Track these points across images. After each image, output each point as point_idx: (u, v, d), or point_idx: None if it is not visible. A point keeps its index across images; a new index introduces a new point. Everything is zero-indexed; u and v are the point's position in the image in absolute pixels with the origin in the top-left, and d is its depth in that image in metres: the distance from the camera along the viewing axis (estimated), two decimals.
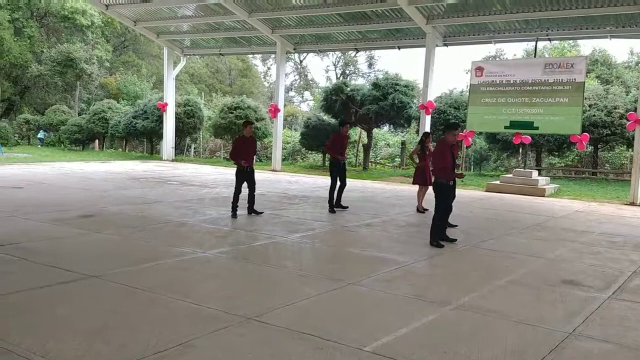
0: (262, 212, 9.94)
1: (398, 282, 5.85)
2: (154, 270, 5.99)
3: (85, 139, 31.35)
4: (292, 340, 4.12)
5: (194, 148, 32.80)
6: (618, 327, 4.71)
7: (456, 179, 8.39)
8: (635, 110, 15.13)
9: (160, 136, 26.66)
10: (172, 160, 24.56)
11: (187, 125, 27.29)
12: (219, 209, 10.51)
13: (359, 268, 6.41)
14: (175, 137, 26.02)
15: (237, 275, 6.16)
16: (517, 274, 6.43)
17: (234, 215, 9.69)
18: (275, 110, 20.93)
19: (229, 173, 19.19)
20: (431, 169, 8.38)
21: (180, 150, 29.85)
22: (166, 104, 24.36)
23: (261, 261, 6.64)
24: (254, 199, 10.00)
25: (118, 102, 33.39)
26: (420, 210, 11.14)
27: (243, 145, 9.80)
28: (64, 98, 39.40)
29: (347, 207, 11.05)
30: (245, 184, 9.86)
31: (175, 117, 25.19)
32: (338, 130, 11.19)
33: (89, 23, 38.21)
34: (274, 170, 20.68)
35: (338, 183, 10.86)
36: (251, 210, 9.92)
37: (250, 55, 49.30)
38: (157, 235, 7.81)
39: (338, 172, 10.85)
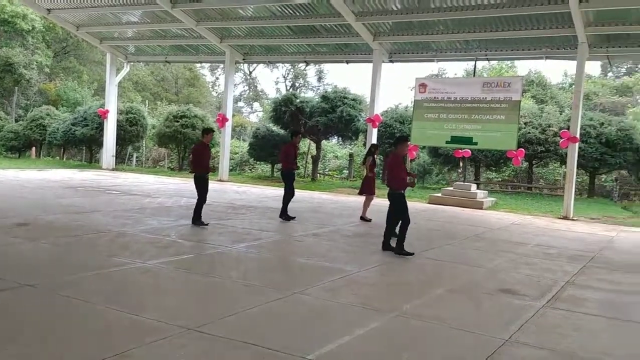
0: (207, 224, 9.74)
1: (343, 290, 5.88)
2: (92, 280, 5.75)
3: (22, 146, 29.93)
4: (233, 350, 4.05)
5: (136, 157, 31.90)
6: (552, 334, 4.91)
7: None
8: (568, 128, 15.97)
9: (100, 144, 25.77)
10: (113, 170, 23.74)
11: (129, 134, 26.51)
12: (160, 218, 10.24)
13: (305, 277, 6.40)
14: (117, 145, 25.23)
15: (178, 285, 6.01)
16: (457, 283, 6.61)
17: (201, 223, 9.54)
18: (223, 120, 20.70)
19: (172, 183, 18.83)
20: (384, 180, 8.56)
21: (121, 159, 28.95)
22: (107, 111, 23.60)
23: (204, 271, 6.51)
24: (202, 209, 9.83)
25: (57, 109, 32.08)
26: (365, 219, 11.33)
27: (204, 152, 9.74)
28: (1, 104, 37.48)
29: (294, 217, 11.06)
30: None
31: (117, 125, 24.42)
32: (290, 141, 11.43)
33: (30, 27, 36.58)
34: (220, 181, 20.38)
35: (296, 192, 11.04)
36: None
37: (198, 65, 48.61)
38: (95, 245, 7.52)
39: (293, 181, 11.08)
